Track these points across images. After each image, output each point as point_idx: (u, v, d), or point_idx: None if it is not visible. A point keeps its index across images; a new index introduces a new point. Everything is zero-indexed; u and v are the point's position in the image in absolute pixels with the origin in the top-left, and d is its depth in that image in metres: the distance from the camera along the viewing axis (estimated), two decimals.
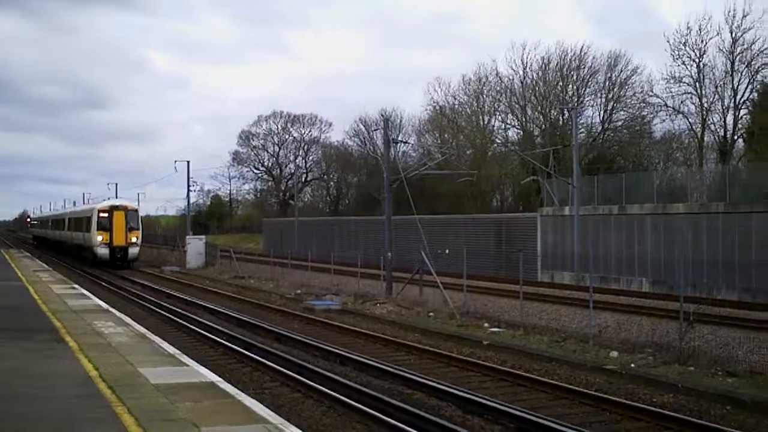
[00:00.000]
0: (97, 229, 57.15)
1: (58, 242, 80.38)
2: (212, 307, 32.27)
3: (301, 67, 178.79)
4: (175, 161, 74.26)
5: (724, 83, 62.29)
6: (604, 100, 72.24)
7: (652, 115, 69.72)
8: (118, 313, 23.82)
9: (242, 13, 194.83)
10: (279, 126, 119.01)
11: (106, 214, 57.51)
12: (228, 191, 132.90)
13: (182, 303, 34.32)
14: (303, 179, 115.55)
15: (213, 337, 23.76)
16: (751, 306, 31.46)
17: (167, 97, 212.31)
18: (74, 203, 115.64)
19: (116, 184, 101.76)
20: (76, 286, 35.08)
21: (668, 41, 65.86)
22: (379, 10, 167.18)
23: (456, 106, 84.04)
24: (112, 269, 54.59)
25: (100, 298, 29.32)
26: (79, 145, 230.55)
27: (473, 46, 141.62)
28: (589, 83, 72.66)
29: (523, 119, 76.00)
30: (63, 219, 78.32)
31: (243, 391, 12.49)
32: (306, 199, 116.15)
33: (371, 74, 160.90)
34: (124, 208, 58.79)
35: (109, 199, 60.99)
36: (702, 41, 62.24)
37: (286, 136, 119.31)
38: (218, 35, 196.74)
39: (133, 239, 58.04)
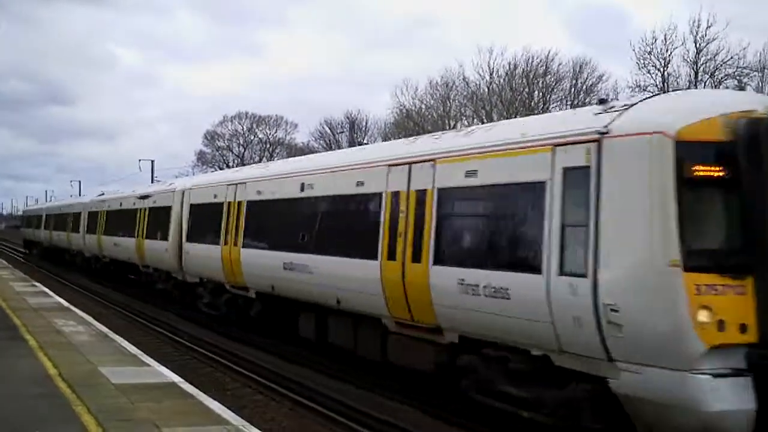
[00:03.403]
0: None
1: (116, 264, 38.89)
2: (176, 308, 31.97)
3: (269, 67, 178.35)
4: (140, 160, 72.48)
5: None
6: (569, 106, 72.69)
7: None
8: (79, 312, 23.64)
9: (210, 11, 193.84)
10: (244, 126, 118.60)
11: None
12: None
13: (149, 305, 33.97)
14: None
15: (175, 337, 23.62)
16: None
17: (133, 95, 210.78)
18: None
19: (79, 182, 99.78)
20: (37, 283, 34.65)
21: (634, 50, 66.15)
22: (350, 12, 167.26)
23: (422, 110, 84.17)
24: None
25: (61, 296, 29.00)
26: (40, 142, 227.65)
27: (442, 50, 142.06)
28: (555, 90, 73.22)
29: None
30: (138, 210, 33.46)
31: (204, 392, 12.45)
32: None
33: (338, 76, 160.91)
34: None
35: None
36: (667, 50, 62.76)
37: (251, 137, 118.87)
38: (187, 33, 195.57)
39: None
